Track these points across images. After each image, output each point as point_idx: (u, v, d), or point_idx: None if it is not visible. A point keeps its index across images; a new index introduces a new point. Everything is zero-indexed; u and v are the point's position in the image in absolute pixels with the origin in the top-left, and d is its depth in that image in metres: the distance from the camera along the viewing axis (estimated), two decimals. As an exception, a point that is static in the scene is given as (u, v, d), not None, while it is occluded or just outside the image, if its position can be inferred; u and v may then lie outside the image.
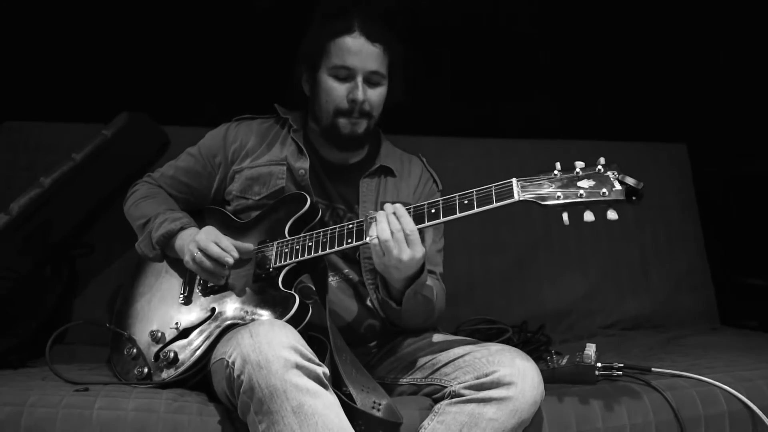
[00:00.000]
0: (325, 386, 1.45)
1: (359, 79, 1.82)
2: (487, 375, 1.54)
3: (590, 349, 1.89)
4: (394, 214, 1.58)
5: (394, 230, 1.55)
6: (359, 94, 1.82)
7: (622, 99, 3.06)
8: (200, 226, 1.85)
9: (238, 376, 1.42)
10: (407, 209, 1.61)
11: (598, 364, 1.87)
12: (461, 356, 1.64)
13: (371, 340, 1.90)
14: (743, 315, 2.86)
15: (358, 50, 1.81)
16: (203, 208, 2.01)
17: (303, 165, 1.89)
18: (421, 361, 1.74)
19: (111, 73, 2.64)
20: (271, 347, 1.40)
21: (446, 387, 1.62)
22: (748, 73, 2.99)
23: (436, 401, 1.63)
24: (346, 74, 1.82)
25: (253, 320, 1.64)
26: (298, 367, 1.41)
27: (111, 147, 2.20)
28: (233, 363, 1.44)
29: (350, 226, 1.67)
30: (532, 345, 2.30)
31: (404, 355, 1.80)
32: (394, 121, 2.00)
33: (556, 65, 3.04)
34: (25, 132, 2.40)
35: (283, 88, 2.00)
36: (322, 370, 1.46)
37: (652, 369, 1.91)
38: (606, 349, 2.26)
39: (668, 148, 2.97)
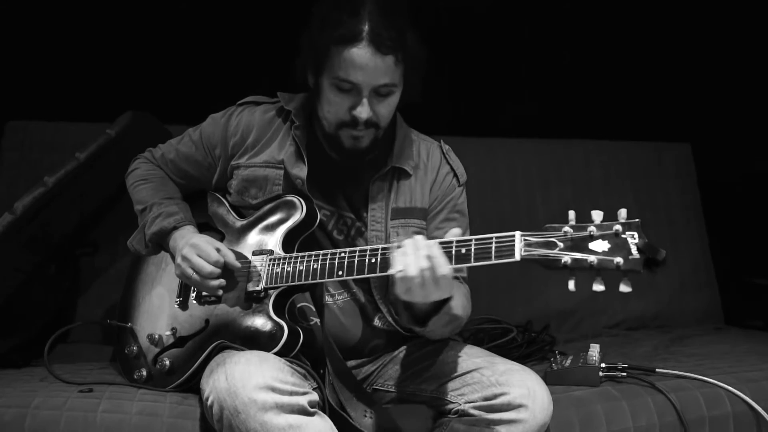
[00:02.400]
0: (311, 414, 1.41)
1: (365, 97, 1.59)
2: (496, 396, 1.51)
3: (594, 350, 1.90)
4: (427, 254, 1.38)
5: (423, 269, 1.37)
6: (363, 113, 1.60)
7: (626, 98, 3.05)
8: (199, 213, 1.81)
9: (218, 421, 1.40)
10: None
11: (602, 365, 1.87)
12: (469, 372, 1.59)
13: (375, 357, 1.83)
14: (748, 315, 2.86)
15: (365, 65, 1.55)
16: (207, 192, 1.90)
17: (300, 174, 1.71)
18: (428, 372, 1.67)
19: (115, 72, 2.64)
20: (246, 390, 1.36)
21: (452, 402, 1.59)
22: (753, 74, 2.98)
23: (441, 413, 1.61)
24: (350, 87, 1.59)
25: (242, 346, 1.58)
26: (278, 406, 1.36)
27: (115, 146, 2.19)
28: (210, 406, 1.41)
29: (342, 255, 1.54)
30: (537, 345, 2.31)
31: (410, 364, 1.74)
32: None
33: (560, 64, 3.04)
34: (30, 131, 2.39)
35: (288, 82, 1.79)
36: (307, 398, 1.41)
37: (657, 370, 1.91)
38: (610, 349, 2.26)
39: (673, 148, 2.97)
